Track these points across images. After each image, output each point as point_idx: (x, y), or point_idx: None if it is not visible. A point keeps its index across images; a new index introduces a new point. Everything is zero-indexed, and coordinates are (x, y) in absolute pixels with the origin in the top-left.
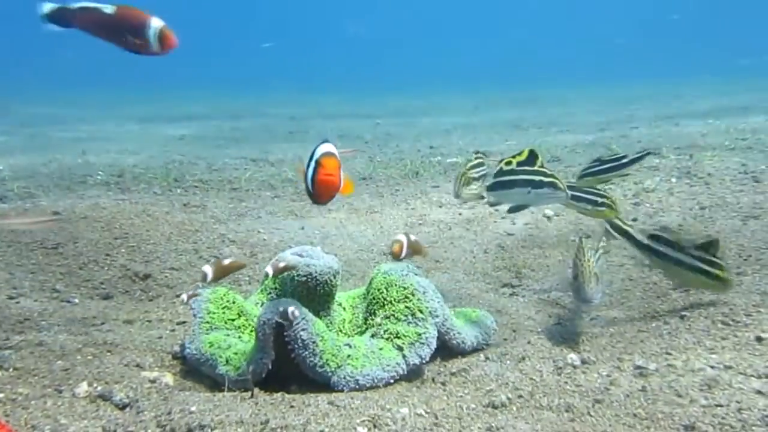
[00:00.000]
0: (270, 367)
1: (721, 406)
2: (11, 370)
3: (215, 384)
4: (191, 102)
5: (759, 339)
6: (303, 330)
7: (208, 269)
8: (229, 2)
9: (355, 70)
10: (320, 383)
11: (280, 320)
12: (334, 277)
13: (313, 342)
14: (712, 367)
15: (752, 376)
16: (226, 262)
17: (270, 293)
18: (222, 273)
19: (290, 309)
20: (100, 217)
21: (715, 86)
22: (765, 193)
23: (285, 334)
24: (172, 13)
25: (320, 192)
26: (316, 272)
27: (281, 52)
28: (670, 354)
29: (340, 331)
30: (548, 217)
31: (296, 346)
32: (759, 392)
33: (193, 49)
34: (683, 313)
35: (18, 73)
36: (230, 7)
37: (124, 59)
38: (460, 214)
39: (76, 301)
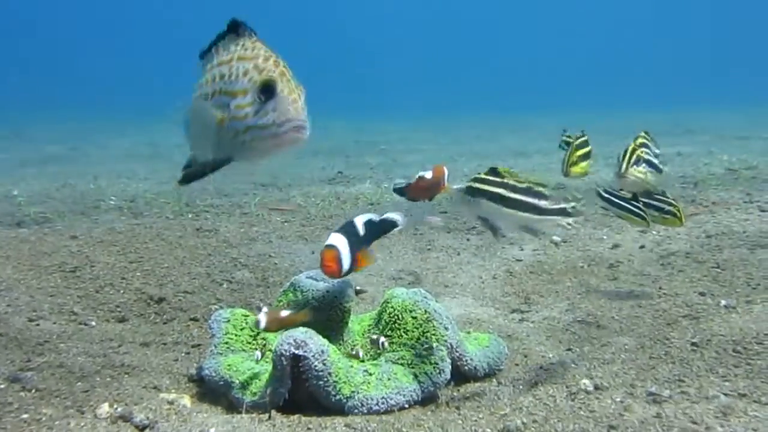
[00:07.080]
0: (287, 396)
1: None
2: (34, 391)
3: (232, 406)
4: None
5: None
6: (318, 361)
7: (263, 317)
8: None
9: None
10: (335, 411)
11: (296, 352)
12: (350, 302)
13: (329, 372)
14: (725, 394)
15: (767, 404)
16: (284, 314)
17: None
18: (278, 325)
19: (306, 340)
20: (115, 241)
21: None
22: None
23: (300, 365)
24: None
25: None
26: (331, 296)
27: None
28: (682, 381)
29: (352, 356)
30: (555, 244)
31: (311, 376)
32: None
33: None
34: (693, 340)
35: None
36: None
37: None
38: (468, 239)
39: (93, 323)
